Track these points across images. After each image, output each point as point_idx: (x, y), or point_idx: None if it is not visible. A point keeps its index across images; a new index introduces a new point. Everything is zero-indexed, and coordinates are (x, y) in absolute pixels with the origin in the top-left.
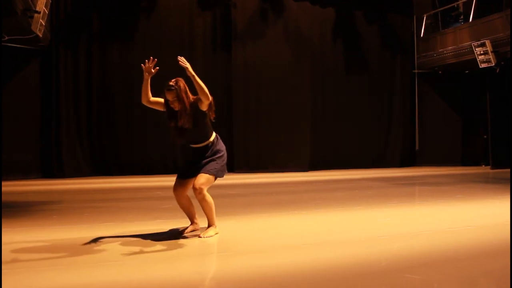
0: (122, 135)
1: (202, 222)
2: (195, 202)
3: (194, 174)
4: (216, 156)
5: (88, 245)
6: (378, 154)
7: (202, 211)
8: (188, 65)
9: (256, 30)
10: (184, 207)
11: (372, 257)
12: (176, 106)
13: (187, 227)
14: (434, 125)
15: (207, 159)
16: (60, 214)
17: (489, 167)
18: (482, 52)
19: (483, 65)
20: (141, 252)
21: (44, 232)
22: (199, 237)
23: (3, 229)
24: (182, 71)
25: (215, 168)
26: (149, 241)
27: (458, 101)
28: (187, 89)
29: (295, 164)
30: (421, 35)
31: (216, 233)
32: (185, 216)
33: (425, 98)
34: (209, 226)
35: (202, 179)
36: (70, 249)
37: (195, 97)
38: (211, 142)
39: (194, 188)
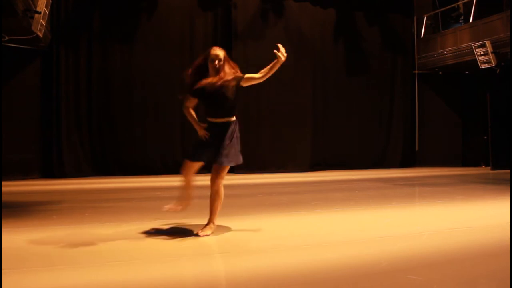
0: (122, 135)
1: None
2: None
3: (209, 158)
4: (234, 138)
5: (88, 245)
6: (379, 155)
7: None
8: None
9: (256, 31)
10: (187, 185)
11: (372, 258)
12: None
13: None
14: (434, 125)
15: (225, 142)
16: (60, 214)
17: (489, 168)
18: (482, 53)
19: (483, 66)
20: (141, 252)
21: (44, 232)
22: (197, 234)
23: (3, 229)
24: (181, 69)
25: (232, 155)
26: (149, 241)
27: (458, 102)
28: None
29: (295, 164)
30: (422, 36)
31: (212, 232)
32: (186, 216)
33: (425, 98)
34: (208, 223)
35: (220, 170)
36: (70, 249)
37: (235, 72)
38: (232, 121)
39: (212, 179)
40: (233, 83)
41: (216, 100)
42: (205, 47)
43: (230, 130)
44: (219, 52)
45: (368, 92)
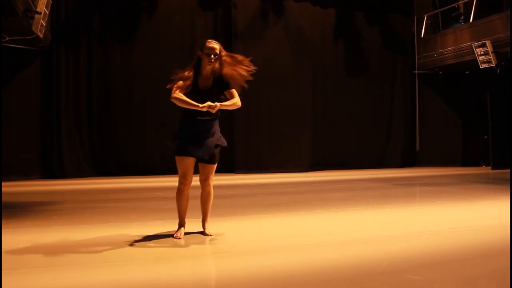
0: (123, 135)
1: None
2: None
3: (199, 156)
4: (219, 137)
5: (88, 246)
6: (379, 155)
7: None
8: (217, 104)
9: (256, 31)
10: (187, 203)
11: (373, 258)
12: (212, 62)
13: (178, 232)
14: (435, 125)
15: (213, 141)
16: (60, 214)
17: (489, 167)
18: (482, 52)
19: (483, 66)
20: (141, 252)
21: (45, 233)
22: (208, 235)
23: (3, 229)
24: (181, 69)
25: (218, 154)
26: (149, 241)
27: (458, 102)
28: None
29: (295, 164)
30: (422, 36)
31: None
32: (185, 217)
33: (426, 98)
34: (206, 221)
35: (213, 169)
36: (70, 250)
37: (229, 71)
38: (217, 118)
39: (205, 179)
40: (220, 86)
41: (209, 98)
42: None
43: (215, 127)
44: (215, 45)
45: (368, 92)
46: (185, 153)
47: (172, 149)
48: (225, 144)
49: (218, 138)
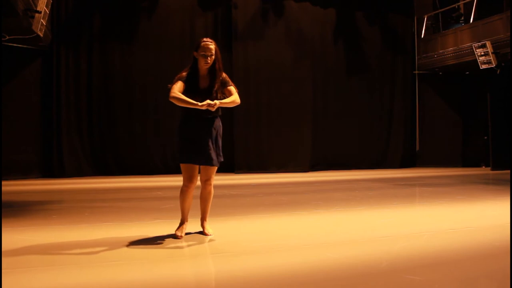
0: (122, 135)
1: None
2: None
3: (202, 158)
4: (219, 138)
5: (88, 245)
6: (379, 155)
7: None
8: (216, 102)
9: (257, 31)
10: (191, 201)
11: (373, 258)
12: (209, 63)
13: (180, 229)
14: (435, 126)
15: (213, 142)
16: (60, 214)
17: (489, 168)
18: (482, 53)
19: (483, 66)
20: (141, 252)
21: (44, 232)
22: (207, 235)
23: (3, 229)
24: (182, 69)
25: (220, 155)
26: (149, 241)
27: (458, 102)
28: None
29: (295, 164)
30: (422, 36)
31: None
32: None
33: (426, 99)
34: (205, 220)
35: (214, 171)
36: (70, 249)
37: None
38: (218, 116)
39: (206, 180)
40: (219, 84)
41: (209, 97)
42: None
43: (216, 126)
44: (211, 45)
45: (368, 92)
46: (189, 161)
47: (176, 156)
48: (219, 162)
49: (219, 146)
